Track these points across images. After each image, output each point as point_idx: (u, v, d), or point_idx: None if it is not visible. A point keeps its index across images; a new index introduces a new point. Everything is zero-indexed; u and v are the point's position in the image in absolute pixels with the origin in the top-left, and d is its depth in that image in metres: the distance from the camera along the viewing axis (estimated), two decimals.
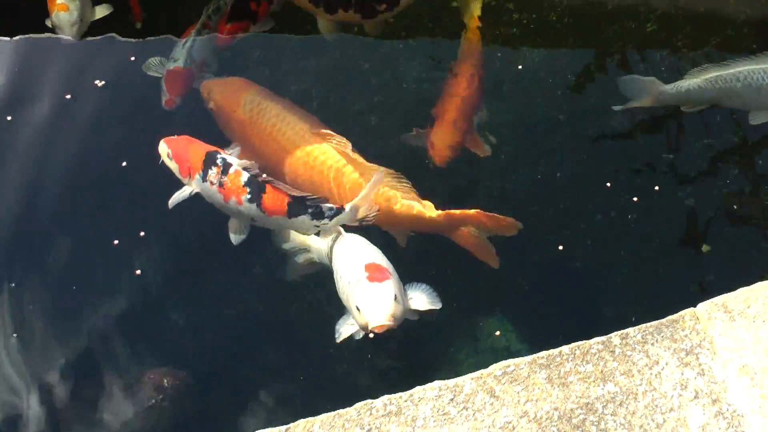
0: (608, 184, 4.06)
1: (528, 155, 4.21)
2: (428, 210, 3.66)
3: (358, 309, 3.12)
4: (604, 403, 2.54)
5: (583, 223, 4.03)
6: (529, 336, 3.75)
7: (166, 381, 3.47)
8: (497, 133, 4.17)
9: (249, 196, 3.38)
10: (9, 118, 4.28)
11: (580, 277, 3.90)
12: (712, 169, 4.16)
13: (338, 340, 3.35)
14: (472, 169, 4.13)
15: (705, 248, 3.94)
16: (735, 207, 4.03)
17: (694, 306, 2.75)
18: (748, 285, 2.75)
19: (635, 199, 4.04)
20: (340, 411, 2.65)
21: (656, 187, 4.06)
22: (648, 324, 2.71)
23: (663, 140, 4.30)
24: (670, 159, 4.19)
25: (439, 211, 3.66)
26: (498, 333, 3.74)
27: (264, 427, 2.63)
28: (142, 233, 3.93)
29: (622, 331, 2.71)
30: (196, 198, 3.57)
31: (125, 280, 3.84)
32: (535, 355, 2.70)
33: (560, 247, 3.90)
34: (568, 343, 2.70)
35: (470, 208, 3.63)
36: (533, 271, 3.90)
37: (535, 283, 3.88)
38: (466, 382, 2.66)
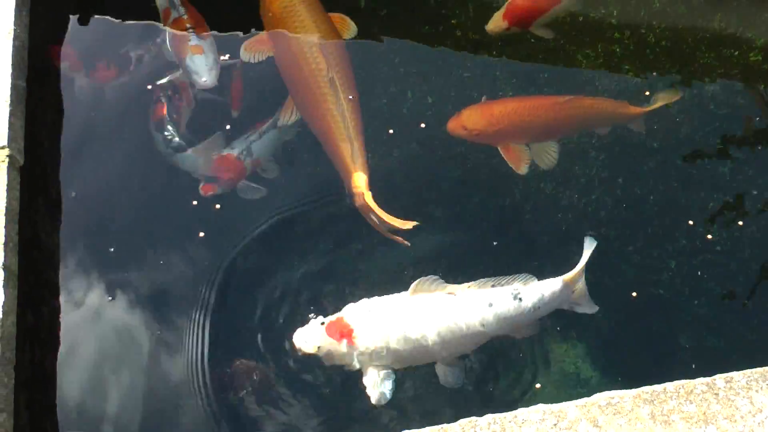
0: (690, 223, 4.06)
1: (615, 179, 4.19)
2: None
3: None
4: None
5: (668, 253, 4.01)
6: (602, 366, 3.75)
7: (255, 374, 3.52)
8: (584, 155, 4.21)
9: None
10: None
11: (662, 310, 3.88)
12: None
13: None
14: (560, 187, 4.15)
15: None
16: None
17: None
18: None
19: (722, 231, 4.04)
20: (445, 426, 2.72)
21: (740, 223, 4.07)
22: (754, 370, 2.75)
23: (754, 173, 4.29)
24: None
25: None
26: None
27: None
28: None
29: (727, 374, 2.75)
30: None
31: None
32: (639, 390, 2.76)
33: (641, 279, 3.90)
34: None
35: None
36: (611, 302, 3.84)
37: (612, 314, 3.82)
38: (570, 408, 2.72)
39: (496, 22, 4.34)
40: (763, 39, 4.58)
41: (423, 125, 4.20)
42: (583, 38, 4.57)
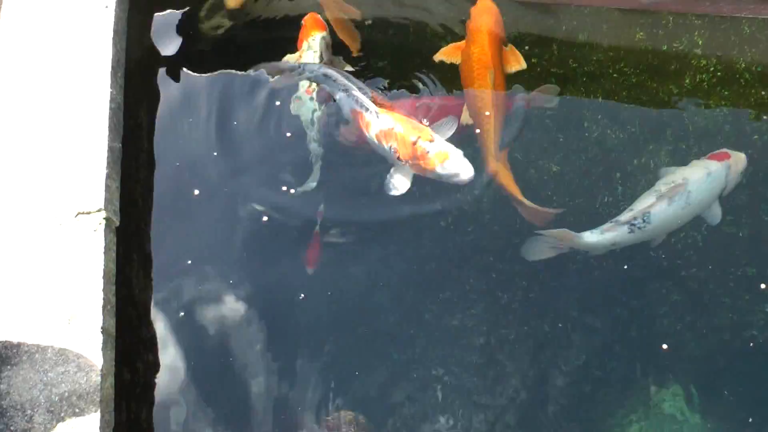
0: None
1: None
2: None
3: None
4: None
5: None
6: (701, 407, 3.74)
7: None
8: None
9: None
10: None
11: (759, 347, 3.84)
12: None
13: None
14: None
15: None
16: None
17: None
18: None
19: None
20: None
21: None
22: None
23: None
24: None
25: None
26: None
27: None
28: None
29: None
30: None
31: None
32: None
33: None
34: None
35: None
36: (710, 342, 3.86)
37: (712, 354, 3.85)
38: None
39: None
40: None
41: None
42: (668, 69, 4.48)
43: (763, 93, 4.42)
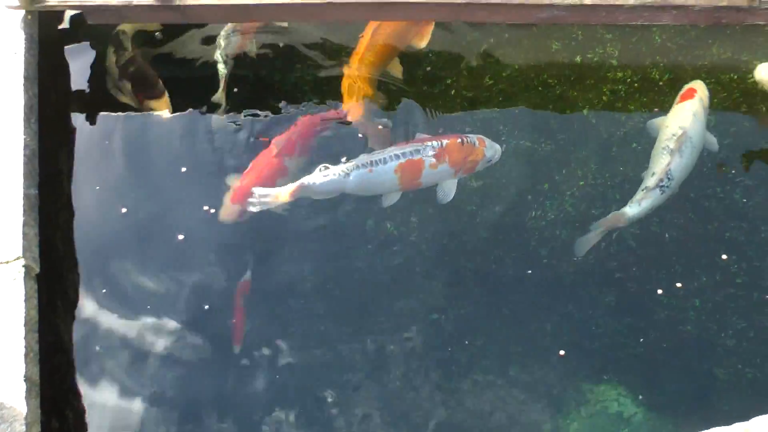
0: (724, 257, 4.09)
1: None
2: None
3: None
4: None
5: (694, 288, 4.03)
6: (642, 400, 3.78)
7: None
8: (607, 193, 4.24)
9: None
10: None
11: (693, 341, 3.91)
12: None
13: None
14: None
15: None
16: None
17: None
18: None
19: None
20: None
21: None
22: None
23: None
24: None
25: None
26: None
27: None
28: None
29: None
30: None
31: None
32: None
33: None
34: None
35: None
36: (646, 336, 3.92)
37: (647, 348, 3.90)
38: None
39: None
40: (759, 61, 4.58)
41: None
42: (584, 82, 4.57)
43: (670, 95, 4.49)
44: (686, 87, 4.39)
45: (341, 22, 4.49)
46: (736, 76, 4.59)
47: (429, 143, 3.97)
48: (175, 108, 4.40)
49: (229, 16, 4.11)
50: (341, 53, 4.62)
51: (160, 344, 3.82)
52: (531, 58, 4.67)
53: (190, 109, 4.42)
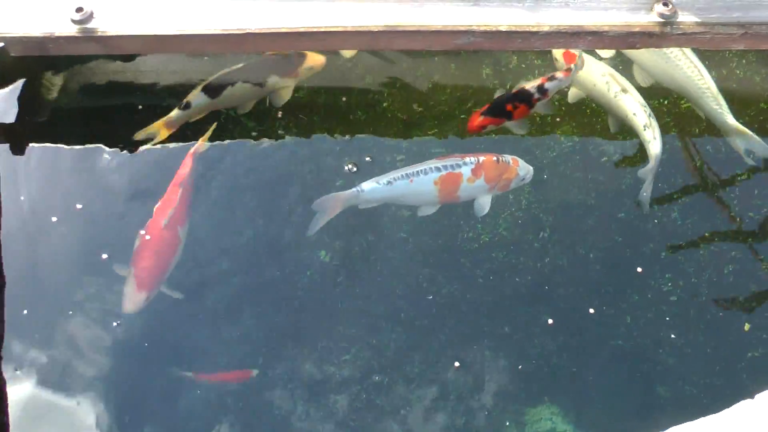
0: (639, 269, 4.12)
1: (564, 240, 4.23)
2: None
3: None
4: None
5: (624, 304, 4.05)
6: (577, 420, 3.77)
7: None
8: (539, 220, 4.27)
9: None
10: None
11: (627, 358, 3.92)
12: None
13: None
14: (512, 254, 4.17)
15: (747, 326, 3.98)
16: None
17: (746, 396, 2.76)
18: None
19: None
20: None
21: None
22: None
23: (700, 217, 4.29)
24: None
25: None
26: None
27: None
28: None
29: None
30: None
31: None
32: None
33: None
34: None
35: None
36: (580, 354, 3.92)
37: (582, 366, 3.90)
38: None
39: None
40: None
41: None
42: None
43: (602, 120, 4.57)
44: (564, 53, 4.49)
45: (262, 51, 4.48)
46: (666, 101, 4.65)
47: (468, 158, 4.07)
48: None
49: (149, 47, 4.06)
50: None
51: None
52: (461, 81, 4.73)
53: None
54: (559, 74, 4.36)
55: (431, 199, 4.10)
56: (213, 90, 4.33)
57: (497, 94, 4.41)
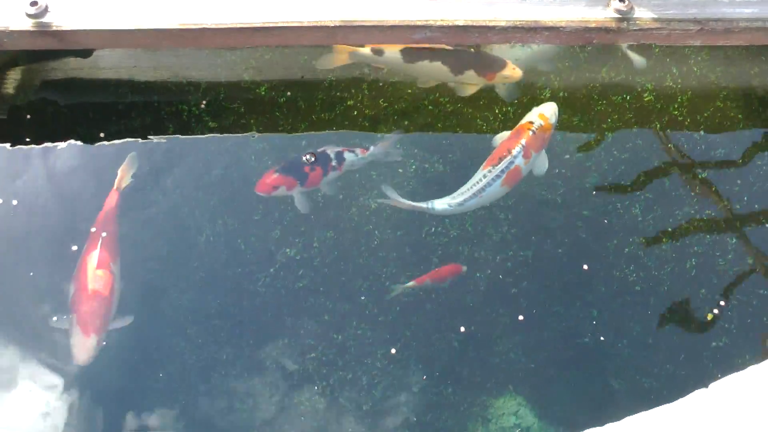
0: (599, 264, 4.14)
1: (528, 237, 4.23)
2: None
3: None
4: None
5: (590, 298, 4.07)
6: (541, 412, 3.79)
7: None
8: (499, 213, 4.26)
9: None
10: None
11: (589, 352, 3.93)
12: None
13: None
14: (474, 249, 4.18)
15: (709, 316, 4.02)
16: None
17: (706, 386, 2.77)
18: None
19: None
20: None
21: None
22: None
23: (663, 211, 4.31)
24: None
25: None
26: None
27: None
28: None
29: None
30: None
31: None
32: None
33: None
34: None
35: None
36: (543, 349, 3.93)
37: (545, 360, 3.92)
38: None
39: None
40: (653, 83, 4.72)
41: None
42: (478, 102, 4.59)
43: (564, 116, 4.57)
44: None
45: (218, 47, 4.44)
46: (628, 97, 4.67)
47: (514, 149, 4.12)
48: None
49: (105, 42, 4.03)
50: None
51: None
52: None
53: None
54: (358, 150, 4.27)
55: (503, 195, 4.19)
56: (410, 54, 4.36)
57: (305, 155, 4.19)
